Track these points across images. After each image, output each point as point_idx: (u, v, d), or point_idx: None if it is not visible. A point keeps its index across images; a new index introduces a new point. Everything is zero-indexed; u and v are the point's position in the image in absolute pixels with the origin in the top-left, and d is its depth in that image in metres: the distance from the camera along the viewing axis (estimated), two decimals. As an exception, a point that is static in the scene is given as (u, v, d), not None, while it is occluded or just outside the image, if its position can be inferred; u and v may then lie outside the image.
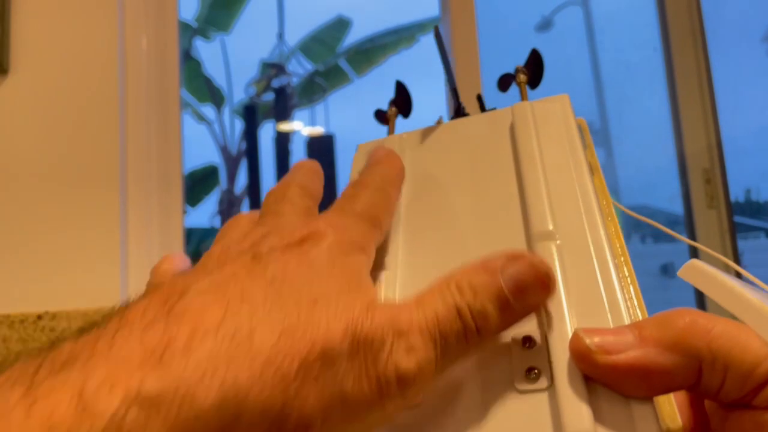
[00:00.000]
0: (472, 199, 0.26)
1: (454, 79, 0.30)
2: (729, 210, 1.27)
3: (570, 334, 0.18)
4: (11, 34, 0.93)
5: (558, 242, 0.22)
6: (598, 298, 0.20)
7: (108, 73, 0.94)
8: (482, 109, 0.32)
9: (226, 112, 6.06)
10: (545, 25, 3.41)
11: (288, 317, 0.16)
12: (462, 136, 0.29)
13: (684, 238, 0.27)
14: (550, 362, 0.18)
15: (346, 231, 0.21)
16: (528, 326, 0.20)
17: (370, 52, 5.56)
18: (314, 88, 5.65)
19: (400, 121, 0.33)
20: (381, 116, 0.33)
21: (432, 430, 0.19)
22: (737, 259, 1.35)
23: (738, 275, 0.22)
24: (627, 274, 0.22)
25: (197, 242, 5.35)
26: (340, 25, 5.69)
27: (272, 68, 5.57)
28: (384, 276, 0.23)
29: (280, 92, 5.46)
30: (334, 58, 5.65)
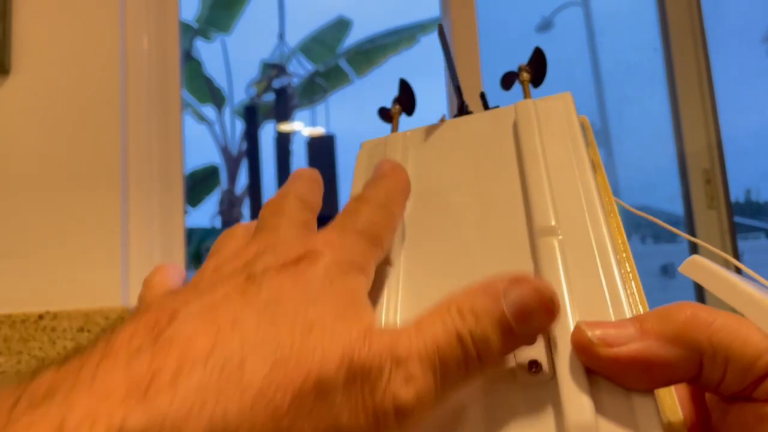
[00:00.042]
0: (476, 196, 0.26)
1: (458, 76, 0.30)
2: (729, 210, 1.27)
3: (572, 328, 0.18)
4: (12, 34, 0.93)
5: (560, 237, 0.22)
6: (600, 293, 0.20)
7: (109, 74, 0.95)
8: (485, 107, 0.32)
9: (227, 112, 6.07)
10: (545, 25, 3.41)
11: (281, 345, 0.16)
12: (465, 133, 0.29)
13: (685, 234, 0.27)
14: (551, 355, 0.19)
15: (344, 250, 0.20)
16: None
17: (371, 52, 5.57)
18: (315, 89, 5.66)
19: (401, 120, 0.34)
20: (385, 114, 0.33)
21: (433, 421, 0.19)
22: (737, 260, 1.34)
23: (738, 271, 0.22)
24: (629, 269, 0.22)
25: (198, 242, 5.36)
26: (341, 25, 5.70)
27: (273, 69, 5.58)
28: (388, 271, 0.24)
29: (281, 93, 5.47)
30: (334, 58, 5.66)
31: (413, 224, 0.26)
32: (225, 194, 6.02)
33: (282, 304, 0.17)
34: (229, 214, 6.01)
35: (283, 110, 5.40)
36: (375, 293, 0.22)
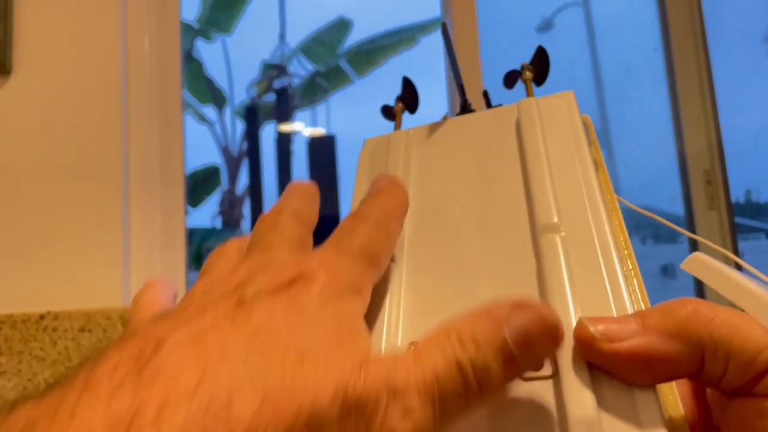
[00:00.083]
0: (478, 194, 0.26)
1: (461, 74, 0.31)
2: (729, 211, 1.27)
3: (574, 324, 0.18)
4: (14, 34, 0.93)
5: (563, 234, 0.22)
6: (602, 289, 0.20)
7: (110, 74, 0.95)
8: (488, 105, 0.32)
9: (228, 112, 6.08)
10: (546, 26, 3.41)
11: (272, 378, 0.15)
12: (468, 131, 0.30)
13: (686, 232, 0.27)
14: None
15: (340, 271, 0.19)
16: None
17: (371, 53, 5.57)
18: (315, 89, 5.67)
19: (404, 118, 0.34)
20: (388, 112, 0.33)
21: None
22: (738, 260, 1.34)
23: (738, 268, 0.22)
24: (631, 266, 0.22)
25: (199, 242, 5.36)
26: (341, 26, 5.71)
27: (273, 69, 5.59)
28: (391, 268, 0.24)
29: (282, 93, 5.48)
30: (335, 59, 5.66)
31: (416, 221, 0.26)
32: (226, 194, 6.03)
33: (273, 332, 0.16)
34: (229, 215, 6.02)
35: (283, 110, 5.41)
36: (377, 292, 0.22)
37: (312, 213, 0.23)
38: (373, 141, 0.31)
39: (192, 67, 5.48)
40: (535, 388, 0.18)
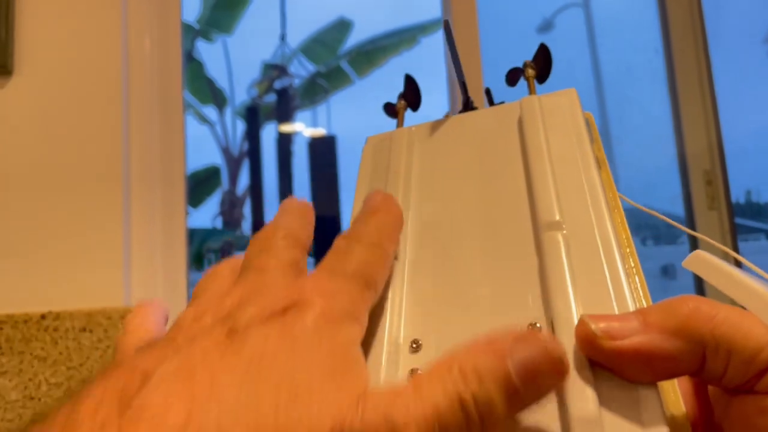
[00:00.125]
0: (480, 191, 0.26)
1: (463, 72, 0.31)
2: (730, 211, 1.27)
3: (576, 321, 0.18)
4: (15, 35, 0.93)
5: (564, 232, 0.22)
6: (604, 287, 0.20)
7: (111, 75, 0.95)
8: (491, 102, 0.32)
9: (228, 113, 6.08)
10: (546, 26, 3.42)
11: (263, 415, 0.14)
12: (471, 129, 0.30)
13: (686, 229, 0.27)
14: None
15: (335, 297, 0.18)
16: (534, 313, 0.20)
17: (372, 53, 5.57)
18: (316, 90, 5.67)
19: (406, 116, 0.34)
20: (390, 109, 0.33)
21: None
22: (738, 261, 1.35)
23: (739, 265, 0.22)
24: (632, 264, 0.22)
25: (199, 243, 5.36)
26: (342, 26, 5.71)
27: (274, 69, 5.59)
28: (393, 265, 0.24)
29: (282, 93, 5.48)
30: (335, 59, 5.66)
31: (418, 218, 0.26)
32: (226, 195, 6.03)
33: (266, 364, 0.15)
34: (230, 215, 6.02)
35: (284, 111, 5.41)
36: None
37: (307, 233, 0.23)
38: (376, 138, 0.32)
39: (193, 67, 5.48)
40: None
